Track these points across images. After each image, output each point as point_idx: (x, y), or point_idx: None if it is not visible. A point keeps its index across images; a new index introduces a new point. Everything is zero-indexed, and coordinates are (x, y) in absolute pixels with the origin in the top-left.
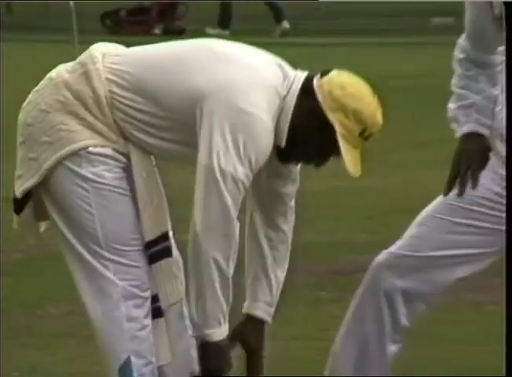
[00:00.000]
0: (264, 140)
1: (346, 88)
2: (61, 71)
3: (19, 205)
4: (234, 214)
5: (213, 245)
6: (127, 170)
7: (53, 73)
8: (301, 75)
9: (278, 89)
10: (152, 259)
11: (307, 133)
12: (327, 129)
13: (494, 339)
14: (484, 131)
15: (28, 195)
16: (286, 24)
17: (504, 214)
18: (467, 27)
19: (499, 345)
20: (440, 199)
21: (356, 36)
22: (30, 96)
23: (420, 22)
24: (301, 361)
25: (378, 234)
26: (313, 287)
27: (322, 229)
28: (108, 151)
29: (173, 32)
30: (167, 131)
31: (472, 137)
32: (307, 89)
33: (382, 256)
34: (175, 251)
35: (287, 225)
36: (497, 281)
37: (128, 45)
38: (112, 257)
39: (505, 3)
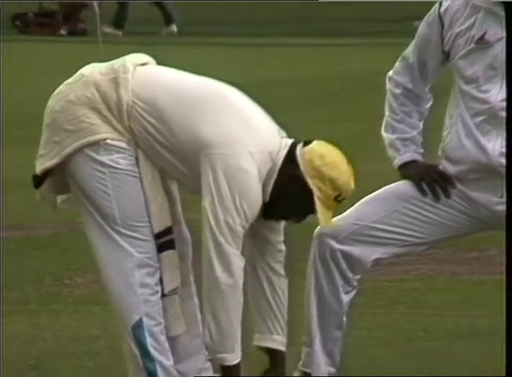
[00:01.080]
0: (255, 198)
1: (324, 158)
2: (95, 71)
3: (38, 181)
4: (234, 260)
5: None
6: (138, 159)
7: (85, 70)
8: (287, 143)
9: (273, 155)
10: (159, 249)
11: (288, 194)
12: (306, 192)
13: (469, 305)
14: (420, 159)
15: (47, 173)
16: (174, 28)
17: (450, 210)
18: (411, 55)
19: (473, 310)
20: (394, 184)
21: (342, 38)
22: (61, 87)
23: (403, 25)
24: None
25: None
26: None
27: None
28: (123, 144)
29: (77, 33)
30: (171, 154)
31: (412, 163)
32: (291, 156)
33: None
34: (186, 233)
35: (277, 265)
36: (472, 255)
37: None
38: (127, 232)
39: (505, 3)
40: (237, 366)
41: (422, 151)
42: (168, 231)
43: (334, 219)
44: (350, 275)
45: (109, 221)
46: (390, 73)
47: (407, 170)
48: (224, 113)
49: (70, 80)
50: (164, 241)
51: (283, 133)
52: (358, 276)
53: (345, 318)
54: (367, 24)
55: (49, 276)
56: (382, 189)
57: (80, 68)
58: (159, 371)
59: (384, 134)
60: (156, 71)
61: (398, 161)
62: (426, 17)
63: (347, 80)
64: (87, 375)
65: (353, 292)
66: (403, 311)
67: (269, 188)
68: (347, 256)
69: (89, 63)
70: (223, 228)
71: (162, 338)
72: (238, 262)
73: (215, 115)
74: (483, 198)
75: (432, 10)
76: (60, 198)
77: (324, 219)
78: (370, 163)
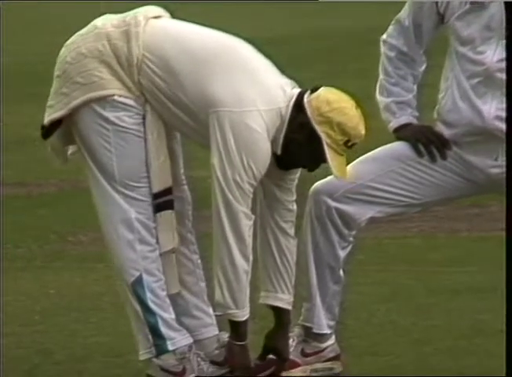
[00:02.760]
0: (263, 156)
1: (332, 104)
2: (107, 22)
3: (46, 132)
4: (241, 218)
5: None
6: (144, 118)
7: (99, 22)
8: (295, 92)
9: (282, 111)
10: (156, 209)
11: (299, 144)
12: (316, 140)
13: (469, 262)
14: (415, 121)
15: (56, 124)
16: None
17: (446, 172)
18: (406, 18)
19: (473, 266)
20: (390, 145)
21: None
22: (73, 38)
23: None
24: None
25: None
26: None
27: None
28: (131, 101)
29: None
30: (179, 109)
31: (407, 126)
32: (299, 105)
33: (321, 182)
34: (186, 193)
35: (287, 224)
36: (472, 211)
37: None
38: (125, 191)
39: (505, 3)
40: (246, 322)
41: (417, 114)
42: (167, 191)
43: (330, 177)
44: (346, 231)
45: (108, 178)
46: (384, 36)
47: (404, 132)
48: (234, 70)
49: (83, 31)
50: (162, 201)
51: (295, 86)
52: (354, 232)
53: (342, 273)
54: None
55: (53, 233)
56: (378, 149)
57: (79, 26)
58: (160, 323)
59: (379, 97)
60: (168, 25)
61: (394, 124)
62: None
63: (348, 36)
64: (91, 330)
65: (349, 247)
66: (404, 268)
67: (280, 140)
68: (342, 214)
69: (87, 21)
70: (231, 185)
71: (162, 293)
72: (246, 220)
73: (225, 72)
74: (478, 161)
75: None
76: (70, 149)
77: (336, 166)
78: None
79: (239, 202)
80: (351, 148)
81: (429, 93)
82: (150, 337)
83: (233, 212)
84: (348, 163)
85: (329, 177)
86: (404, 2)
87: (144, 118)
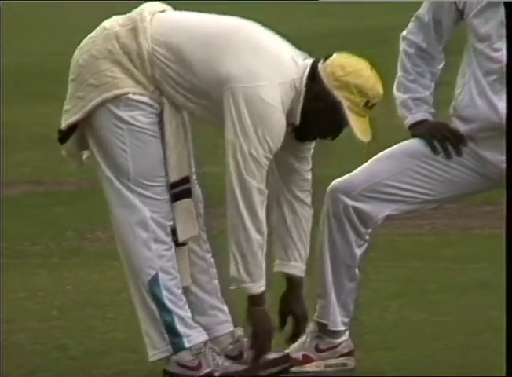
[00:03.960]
0: (277, 129)
1: (346, 67)
2: (114, 23)
3: (63, 136)
4: (255, 194)
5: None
6: (160, 116)
7: (107, 23)
8: (308, 63)
9: (295, 83)
10: (174, 198)
11: (318, 113)
12: (335, 105)
13: (481, 258)
14: (431, 118)
15: (72, 128)
16: None
17: (461, 168)
18: (425, 14)
19: (484, 263)
20: (406, 142)
21: None
22: (85, 41)
23: None
24: None
25: None
26: None
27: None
28: (145, 99)
29: None
30: (195, 95)
31: (423, 122)
32: (313, 74)
33: (338, 180)
34: (197, 191)
35: (303, 193)
36: (485, 209)
37: None
38: (140, 190)
39: (505, 3)
40: (262, 295)
41: (433, 111)
42: (185, 180)
43: (347, 176)
44: (363, 230)
45: (123, 178)
46: (404, 33)
47: (419, 129)
48: (244, 47)
49: (93, 33)
50: (180, 190)
51: (307, 57)
52: (370, 230)
53: (357, 270)
54: None
55: (71, 230)
56: (394, 147)
57: (96, 25)
58: (177, 321)
59: (396, 93)
60: (174, 16)
61: (410, 120)
62: None
63: (357, 36)
64: (108, 325)
65: (365, 245)
66: (416, 264)
67: (298, 112)
68: (359, 212)
69: (104, 19)
70: (247, 160)
71: (178, 291)
72: (260, 196)
73: (236, 50)
74: (493, 156)
75: None
76: (85, 153)
77: (359, 129)
78: (385, 119)
79: (255, 177)
80: (372, 108)
81: (445, 91)
82: (166, 336)
83: (247, 188)
84: (369, 153)
85: (346, 176)
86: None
87: (159, 116)
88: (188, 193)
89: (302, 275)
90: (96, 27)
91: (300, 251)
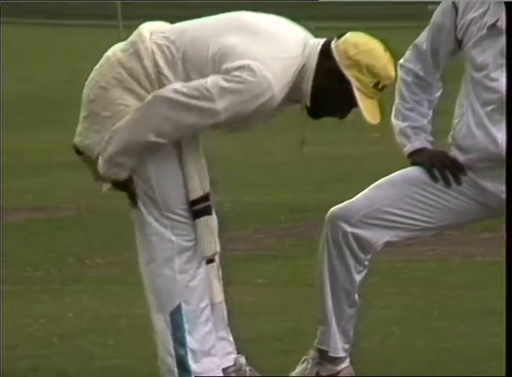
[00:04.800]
0: (256, 98)
1: (359, 46)
2: (116, 50)
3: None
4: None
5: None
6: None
7: (109, 52)
8: (319, 42)
9: (297, 59)
10: (195, 215)
11: (328, 91)
12: (345, 84)
13: (482, 286)
14: (430, 146)
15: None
16: None
17: (460, 196)
18: (424, 43)
19: (486, 290)
20: (405, 170)
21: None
22: (92, 74)
23: (417, 9)
24: None
25: None
26: None
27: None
28: None
29: None
30: None
31: (422, 151)
32: (326, 52)
33: (338, 206)
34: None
35: None
36: (486, 236)
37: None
38: (169, 214)
39: (505, 3)
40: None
41: (431, 139)
42: (205, 197)
43: (346, 202)
44: (362, 256)
45: (150, 206)
46: (401, 61)
47: (418, 157)
48: (243, 32)
49: (97, 65)
50: (201, 207)
51: (313, 38)
52: (369, 256)
53: (357, 296)
54: (380, 7)
55: (72, 256)
56: (393, 174)
57: (99, 52)
58: (190, 356)
59: (394, 121)
60: (172, 26)
61: (409, 148)
62: (441, 5)
63: None
64: (108, 352)
65: (365, 271)
66: (418, 291)
67: (308, 90)
68: (359, 238)
69: (108, 45)
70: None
71: (199, 321)
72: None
73: (234, 35)
74: (492, 186)
75: None
76: (104, 186)
77: (367, 110)
78: (385, 146)
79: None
80: (382, 90)
81: (443, 120)
82: (176, 371)
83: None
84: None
85: (345, 202)
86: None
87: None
88: (209, 210)
89: None
90: (99, 53)
91: None
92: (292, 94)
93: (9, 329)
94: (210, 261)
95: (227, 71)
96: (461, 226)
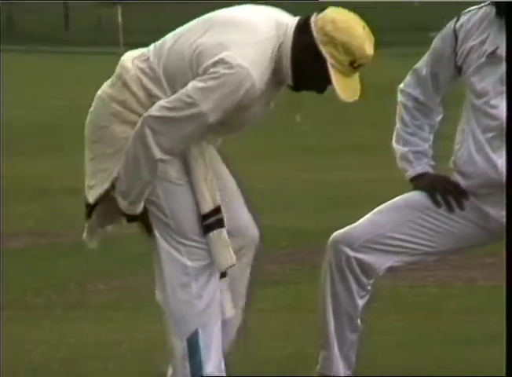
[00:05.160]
0: (237, 90)
1: (336, 23)
2: (105, 87)
3: (90, 210)
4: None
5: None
6: (184, 153)
7: (99, 92)
8: (295, 19)
9: (272, 40)
10: (207, 229)
11: (305, 65)
12: (321, 60)
13: (485, 311)
14: (431, 171)
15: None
16: None
17: (462, 221)
18: (424, 68)
19: (489, 315)
20: (408, 194)
21: None
22: (88, 117)
23: (417, 36)
24: None
25: None
26: None
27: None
28: None
29: None
30: None
31: (424, 175)
32: (303, 27)
33: (340, 231)
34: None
35: None
36: (488, 260)
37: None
38: (183, 241)
39: (506, 3)
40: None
41: (433, 163)
42: (217, 210)
43: (348, 227)
44: (365, 280)
45: (165, 231)
46: (401, 86)
47: (420, 182)
48: (213, 29)
49: (92, 107)
50: (212, 221)
51: (289, 16)
52: (372, 281)
53: (359, 321)
54: (381, 34)
55: (73, 282)
56: (396, 198)
57: (98, 77)
58: None
59: (395, 146)
60: (153, 47)
61: (411, 173)
62: (441, 32)
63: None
64: None
65: (367, 296)
66: (420, 316)
67: (288, 65)
68: (361, 263)
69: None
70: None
71: (214, 346)
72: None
73: (211, 31)
74: (493, 211)
75: (448, 25)
76: (111, 228)
77: (342, 88)
78: (385, 170)
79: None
80: (358, 69)
81: (444, 145)
82: None
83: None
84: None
85: (348, 227)
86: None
87: (182, 155)
88: (220, 223)
89: None
90: (100, 80)
91: None
92: (276, 77)
93: (10, 355)
94: (222, 275)
95: (205, 71)
96: (462, 251)
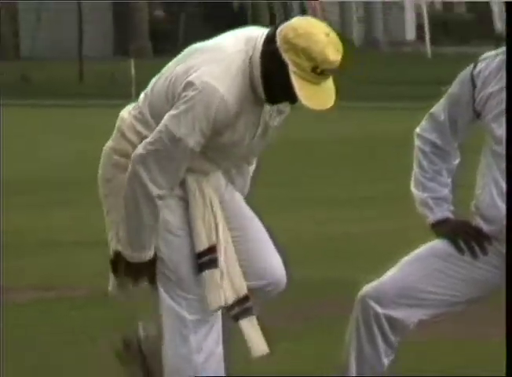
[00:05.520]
0: (207, 107)
1: (297, 30)
2: (108, 141)
3: (115, 266)
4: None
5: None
6: (183, 187)
7: (105, 145)
8: (265, 31)
9: (239, 54)
10: (200, 268)
11: (273, 75)
12: (285, 68)
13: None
14: (452, 216)
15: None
16: None
17: (486, 266)
18: (441, 113)
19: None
20: (428, 244)
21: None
22: (99, 172)
23: (431, 90)
24: None
25: None
26: None
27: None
28: (174, 190)
29: None
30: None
31: (446, 221)
32: (272, 37)
33: (370, 285)
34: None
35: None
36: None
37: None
38: (184, 294)
39: (506, 3)
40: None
41: (452, 208)
42: (211, 249)
43: (376, 282)
44: (393, 338)
45: (164, 284)
46: (418, 130)
47: (442, 228)
48: (189, 58)
49: (100, 162)
50: (207, 260)
51: (262, 30)
52: (399, 339)
53: None
54: (394, 88)
55: (84, 335)
56: (420, 249)
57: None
58: None
59: (414, 191)
60: (144, 94)
61: (431, 219)
62: (459, 77)
63: (375, 142)
64: None
65: (393, 355)
66: (436, 368)
67: (259, 81)
68: (391, 319)
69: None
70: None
71: None
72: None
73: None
74: None
75: (465, 71)
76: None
77: (306, 96)
78: (399, 219)
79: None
80: (322, 75)
81: (462, 193)
82: None
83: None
84: None
85: (375, 282)
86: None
87: (182, 199)
88: (214, 263)
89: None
90: (110, 132)
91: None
92: (254, 93)
93: None
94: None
95: (178, 98)
96: (481, 299)
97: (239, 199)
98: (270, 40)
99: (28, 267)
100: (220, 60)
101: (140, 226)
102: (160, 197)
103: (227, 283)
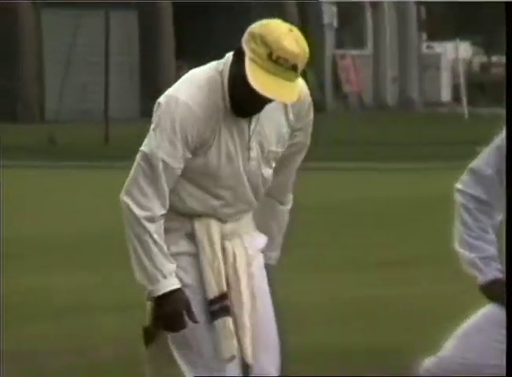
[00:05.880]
0: (172, 118)
1: (262, 23)
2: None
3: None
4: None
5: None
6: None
7: None
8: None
9: (209, 70)
10: (212, 316)
11: (237, 77)
12: (243, 59)
13: None
14: (502, 276)
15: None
16: None
17: None
18: (485, 166)
19: None
20: (482, 311)
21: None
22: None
23: (466, 149)
24: None
25: None
26: None
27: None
28: (183, 247)
29: None
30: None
31: (495, 282)
32: (241, 49)
33: (430, 361)
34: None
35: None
36: None
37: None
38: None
39: (506, 3)
40: (165, 295)
41: (501, 268)
42: (223, 296)
43: (438, 356)
44: None
45: (186, 363)
46: (460, 186)
47: (493, 291)
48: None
49: None
50: (218, 307)
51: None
52: None
53: None
54: (426, 147)
55: None
56: (477, 318)
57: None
58: None
59: (460, 250)
60: None
61: (481, 280)
62: (504, 129)
63: (399, 204)
64: None
65: None
66: None
67: (226, 93)
68: None
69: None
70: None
71: None
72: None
73: None
74: None
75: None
76: None
77: (259, 82)
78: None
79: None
80: (277, 63)
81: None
82: None
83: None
84: None
85: (437, 355)
86: None
87: (194, 257)
88: (226, 310)
89: (275, 262)
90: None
91: (278, 242)
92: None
93: None
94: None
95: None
96: None
97: (259, 266)
98: (239, 49)
99: (62, 331)
100: (186, 78)
101: (147, 254)
102: (150, 219)
103: None
